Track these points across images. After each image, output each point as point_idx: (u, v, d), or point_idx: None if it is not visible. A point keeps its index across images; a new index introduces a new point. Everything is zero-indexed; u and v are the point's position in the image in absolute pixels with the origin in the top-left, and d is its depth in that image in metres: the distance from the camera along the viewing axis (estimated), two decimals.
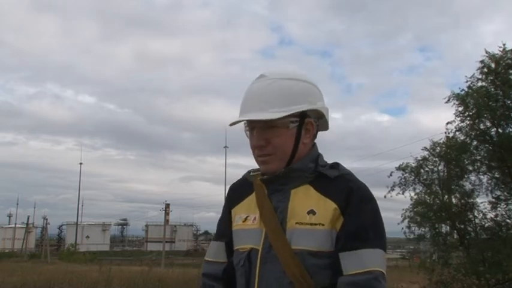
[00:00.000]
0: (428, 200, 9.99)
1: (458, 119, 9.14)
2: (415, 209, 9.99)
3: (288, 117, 1.39)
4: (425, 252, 12.45)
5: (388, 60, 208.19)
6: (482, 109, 8.71)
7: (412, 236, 10.27)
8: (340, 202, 1.36)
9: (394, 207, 11.96)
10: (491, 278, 8.93)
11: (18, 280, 13.08)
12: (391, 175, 10.26)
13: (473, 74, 9.04)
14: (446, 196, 9.97)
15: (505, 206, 9.43)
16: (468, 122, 9.14)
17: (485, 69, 8.91)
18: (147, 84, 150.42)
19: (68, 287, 12.39)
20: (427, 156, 10.17)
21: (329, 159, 1.51)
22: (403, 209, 10.13)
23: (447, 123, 9.31)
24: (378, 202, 1.44)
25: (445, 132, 9.54)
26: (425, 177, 10.20)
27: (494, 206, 9.49)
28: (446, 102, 9.19)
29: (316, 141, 1.52)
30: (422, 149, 10.22)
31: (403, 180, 10.16)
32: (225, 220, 1.60)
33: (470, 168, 9.75)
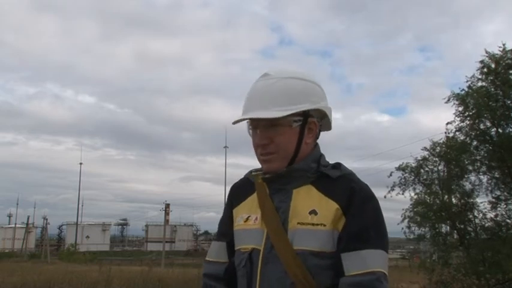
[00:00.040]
0: (428, 200, 10.00)
1: (458, 119, 9.17)
2: (415, 209, 9.99)
3: (292, 116, 1.39)
4: (425, 252, 12.46)
5: (388, 60, 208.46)
6: (482, 109, 8.72)
7: (412, 236, 10.28)
8: (342, 202, 1.36)
9: (394, 207, 11.97)
10: (491, 278, 8.93)
11: (18, 280, 13.08)
12: (391, 175, 10.29)
13: (473, 74, 9.06)
14: (446, 196, 9.97)
15: (505, 206, 9.45)
16: (468, 122, 9.16)
17: (485, 69, 8.91)
18: (147, 84, 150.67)
19: (68, 287, 12.38)
20: (427, 156, 10.18)
21: (329, 159, 1.51)
22: (403, 209, 10.16)
23: (447, 123, 9.34)
24: (379, 202, 1.43)
25: (445, 132, 9.57)
26: (425, 177, 10.21)
27: (494, 206, 9.50)
28: (446, 102, 9.21)
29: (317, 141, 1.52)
30: (422, 149, 10.25)
31: (403, 180, 10.17)
32: (227, 220, 1.59)
33: (470, 168, 9.76)
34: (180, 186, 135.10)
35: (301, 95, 1.41)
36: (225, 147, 51.51)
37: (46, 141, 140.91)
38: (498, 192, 9.56)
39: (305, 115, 1.42)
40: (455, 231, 10.03)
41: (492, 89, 8.93)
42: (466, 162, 9.71)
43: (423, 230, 10.13)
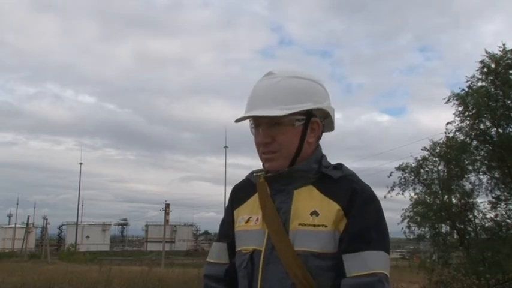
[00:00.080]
0: (428, 200, 10.00)
1: (458, 119, 9.17)
2: (415, 209, 9.99)
3: (295, 115, 1.39)
4: (425, 252, 12.47)
5: (388, 60, 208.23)
6: (482, 109, 8.71)
7: (412, 236, 10.27)
8: (343, 203, 1.36)
9: (394, 207, 11.96)
10: (491, 278, 8.94)
11: (18, 280, 13.09)
12: (391, 175, 10.29)
13: (473, 74, 9.06)
14: (446, 196, 9.97)
15: (505, 206, 9.45)
16: (468, 122, 9.15)
17: (485, 69, 8.91)
18: (147, 84, 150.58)
19: (68, 287, 12.38)
20: (427, 156, 10.18)
21: (329, 159, 1.51)
22: (403, 209, 10.15)
23: (447, 123, 9.33)
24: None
25: (445, 132, 9.57)
26: (425, 177, 10.21)
27: (494, 206, 9.50)
28: (446, 102, 9.21)
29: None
30: (422, 149, 10.24)
31: (403, 180, 10.17)
32: (228, 221, 1.59)
33: (470, 168, 9.76)
34: (180, 186, 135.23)
35: (304, 95, 1.41)
36: (225, 147, 51.63)
37: (46, 141, 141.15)
38: (498, 192, 9.57)
39: (308, 114, 1.42)
40: (455, 231, 10.03)
41: (492, 89, 8.93)
42: (466, 162, 9.71)
43: (423, 230, 10.14)
